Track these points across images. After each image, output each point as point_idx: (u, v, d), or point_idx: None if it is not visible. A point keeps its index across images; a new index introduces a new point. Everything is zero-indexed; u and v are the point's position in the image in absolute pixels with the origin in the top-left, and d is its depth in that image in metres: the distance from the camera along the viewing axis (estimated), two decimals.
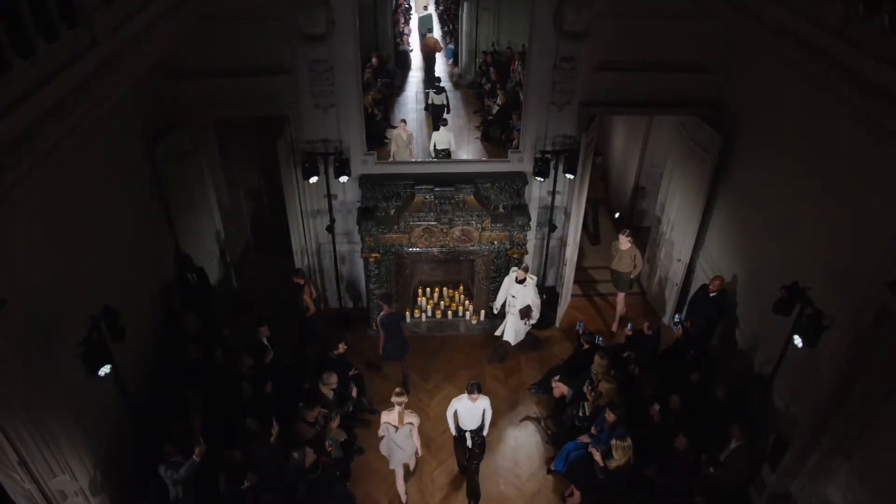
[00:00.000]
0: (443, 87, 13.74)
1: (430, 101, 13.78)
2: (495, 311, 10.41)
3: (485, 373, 10.34)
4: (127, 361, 7.19)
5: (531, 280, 9.79)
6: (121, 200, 7.94)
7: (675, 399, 8.28)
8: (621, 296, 11.15)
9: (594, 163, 11.58)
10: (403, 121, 11.87)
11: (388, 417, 7.89)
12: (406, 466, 8.59)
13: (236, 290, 11.48)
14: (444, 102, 13.39)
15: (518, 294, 9.75)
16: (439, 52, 16.01)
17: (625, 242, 10.51)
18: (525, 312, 9.80)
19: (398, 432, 7.86)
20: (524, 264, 10.00)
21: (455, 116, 13.67)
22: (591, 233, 13.21)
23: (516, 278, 9.68)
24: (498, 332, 10.32)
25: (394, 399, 7.83)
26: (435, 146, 11.77)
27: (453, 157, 11.76)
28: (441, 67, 16.65)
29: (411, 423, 7.91)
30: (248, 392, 8.32)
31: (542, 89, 9.37)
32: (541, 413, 9.75)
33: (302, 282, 9.99)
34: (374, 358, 10.18)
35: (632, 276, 10.92)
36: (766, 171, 8.52)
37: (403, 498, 8.45)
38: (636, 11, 8.87)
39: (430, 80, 15.09)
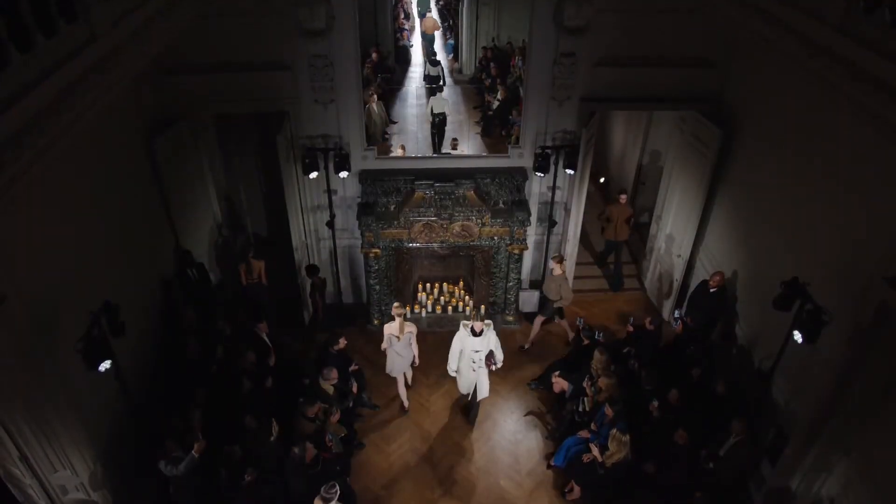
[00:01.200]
0: (438, 61, 15.15)
1: (426, 73, 15.09)
2: (451, 373, 9.28)
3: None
4: (127, 357, 7.19)
5: (488, 328, 8.75)
6: (121, 196, 7.93)
7: (673, 393, 8.29)
8: (538, 320, 10.56)
9: (600, 183, 11.77)
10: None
11: (391, 329, 8.95)
12: (404, 377, 9.63)
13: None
14: (440, 73, 14.75)
15: (480, 347, 8.74)
16: (437, 30, 17.42)
17: (556, 269, 9.95)
18: (489, 358, 8.83)
19: (399, 341, 8.94)
20: (480, 312, 8.92)
21: (455, 112, 13.68)
22: (614, 280, 12.12)
23: (472, 330, 8.67)
24: (467, 394, 9.42)
25: (394, 311, 9.01)
26: (432, 110, 13.03)
27: (447, 119, 13.29)
28: (441, 57, 16.68)
29: (411, 332, 9.06)
30: (247, 387, 8.33)
31: (542, 84, 9.36)
32: (541, 408, 9.76)
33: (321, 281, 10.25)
34: (375, 353, 10.18)
35: (555, 306, 10.25)
36: (766, 166, 8.51)
37: (406, 403, 9.62)
38: (637, 6, 8.87)
39: (428, 55, 16.35)
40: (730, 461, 7.71)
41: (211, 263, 10.63)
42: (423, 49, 17.43)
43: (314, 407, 8.04)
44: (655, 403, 8.13)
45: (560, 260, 9.99)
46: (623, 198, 11.41)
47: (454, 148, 11.17)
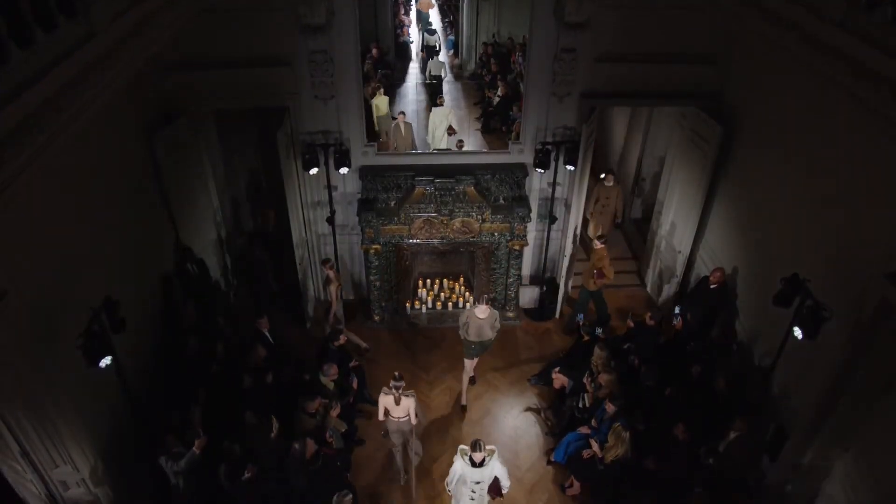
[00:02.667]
0: (434, 30, 16.56)
1: (424, 43, 16.05)
2: (448, 491, 7.75)
3: (486, 365, 10.36)
4: (127, 353, 7.19)
5: (491, 456, 7.18)
6: (121, 192, 7.92)
7: (669, 392, 8.29)
8: (469, 363, 9.43)
9: (601, 179, 11.96)
10: (402, 113, 11.86)
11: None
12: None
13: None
14: (437, 42, 16.02)
15: (481, 478, 7.24)
16: (431, 8, 18.35)
17: (483, 311, 8.83)
18: (495, 488, 7.46)
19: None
20: (478, 443, 7.11)
21: (455, 108, 13.65)
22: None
23: (472, 461, 7.11)
24: None
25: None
26: (430, 72, 14.36)
27: (445, 80, 14.67)
28: (441, 54, 16.66)
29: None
30: (248, 383, 8.34)
31: (542, 80, 9.35)
32: (541, 404, 9.77)
33: (333, 273, 10.03)
34: (375, 349, 10.20)
35: (487, 345, 9.29)
36: (766, 162, 8.50)
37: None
38: (637, 2, 8.85)
39: (425, 27, 17.28)
40: (730, 457, 7.72)
41: (211, 259, 10.62)
42: (418, 25, 18.13)
43: (315, 403, 8.05)
44: (682, 427, 7.77)
45: (487, 301, 8.90)
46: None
47: (460, 148, 11.17)
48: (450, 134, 12.12)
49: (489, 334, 9.03)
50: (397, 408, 8.02)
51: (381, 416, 8.20)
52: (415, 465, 8.54)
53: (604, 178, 11.81)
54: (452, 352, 10.61)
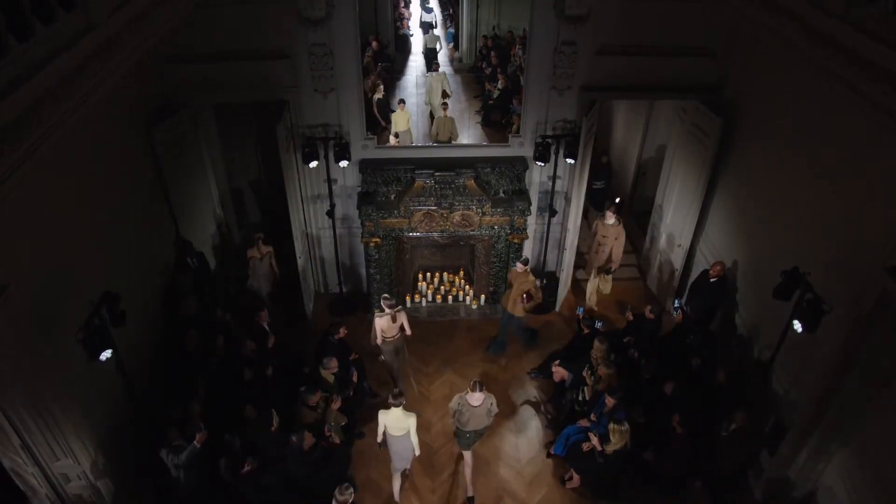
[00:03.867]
0: (431, 8, 17.46)
1: (422, 19, 17.17)
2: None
3: (485, 358, 10.38)
4: (127, 346, 7.21)
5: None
6: (121, 185, 7.93)
7: (668, 385, 8.30)
8: (468, 455, 8.33)
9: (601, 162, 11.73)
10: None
11: (382, 324, 8.58)
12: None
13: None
14: (433, 20, 17.02)
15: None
16: None
17: (477, 398, 7.77)
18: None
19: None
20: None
21: (455, 101, 13.62)
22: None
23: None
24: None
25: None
26: (426, 45, 15.35)
27: (438, 51, 15.60)
28: (442, 48, 16.63)
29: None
30: (248, 377, 8.35)
31: (542, 73, 9.32)
32: (540, 397, 9.79)
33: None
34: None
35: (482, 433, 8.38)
36: (767, 155, 8.49)
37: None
38: None
39: (423, 4, 18.19)
40: (729, 450, 7.74)
41: (211, 253, 10.62)
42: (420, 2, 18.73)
43: (315, 396, 8.06)
44: (677, 418, 7.83)
45: (481, 387, 7.80)
46: (610, 215, 10.29)
47: (444, 108, 11.27)
48: (444, 97, 12.49)
49: (485, 422, 8.00)
50: (393, 325, 8.44)
51: (378, 340, 8.78)
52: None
53: (604, 216, 10.55)
54: (452, 345, 10.64)
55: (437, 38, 15.87)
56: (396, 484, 8.18)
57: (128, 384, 7.38)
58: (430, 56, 15.37)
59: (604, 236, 10.58)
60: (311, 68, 9.10)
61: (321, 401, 8.16)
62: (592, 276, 11.02)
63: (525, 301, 9.64)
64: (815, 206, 7.43)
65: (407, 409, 7.84)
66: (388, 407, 7.66)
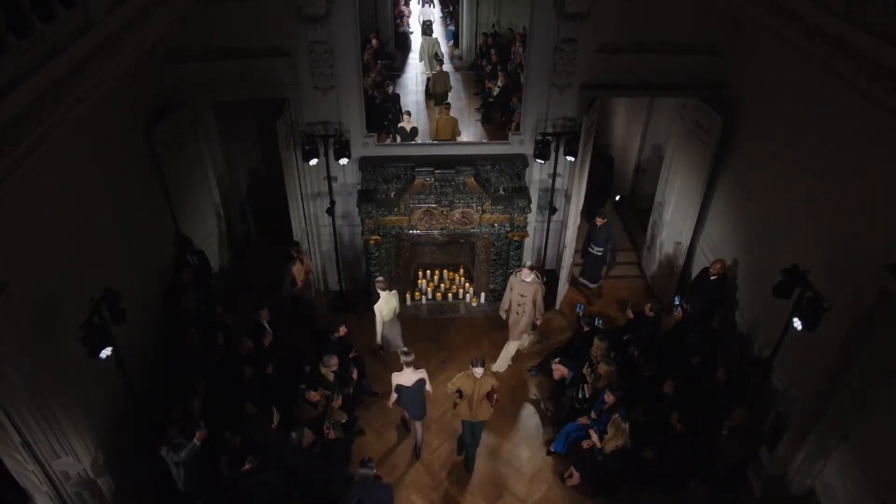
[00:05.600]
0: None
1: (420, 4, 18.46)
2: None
3: (486, 355, 10.36)
4: (128, 344, 7.21)
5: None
6: (121, 183, 7.92)
7: (668, 383, 8.31)
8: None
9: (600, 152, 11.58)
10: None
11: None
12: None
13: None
14: (432, 15, 17.90)
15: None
16: None
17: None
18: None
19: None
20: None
21: (455, 99, 13.62)
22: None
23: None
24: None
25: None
26: (420, 17, 16.66)
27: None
28: (442, 45, 16.61)
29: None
30: (248, 374, 8.36)
31: (542, 71, 9.32)
32: (540, 395, 9.79)
33: (295, 255, 10.03)
34: (373, 341, 10.20)
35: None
36: (767, 153, 8.48)
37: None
38: None
39: None
40: (729, 447, 7.75)
41: (211, 251, 10.62)
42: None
43: (317, 392, 8.07)
44: (676, 416, 7.96)
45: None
46: (527, 271, 9.45)
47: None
48: (438, 61, 13.71)
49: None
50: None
51: (391, 401, 8.44)
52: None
53: (520, 272, 9.53)
54: (452, 342, 10.65)
55: (432, 11, 17.42)
56: (419, 432, 8.80)
57: (128, 382, 7.38)
58: (427, 28, 16.21)
59: (522, 295, 9.42)
60: (311, 66, 9.10)
61: (322, 398, 8.17)
62: (512, 340, 9.94)
63: (493, 403, 8.08)
64: (816, 204, 7.43)
65: None
66: (400, 369, 8.16)
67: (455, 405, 8.15)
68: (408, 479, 8.57)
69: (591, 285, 11.33)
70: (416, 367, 8.22)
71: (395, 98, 12.44)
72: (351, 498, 6.96)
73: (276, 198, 10.58)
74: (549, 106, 9.63)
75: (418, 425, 8.70)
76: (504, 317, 9.89)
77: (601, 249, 10.71)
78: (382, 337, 9.61)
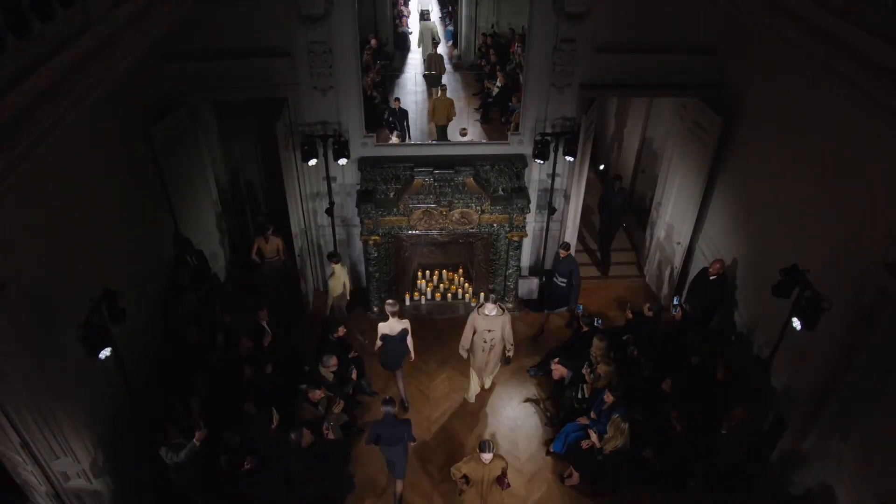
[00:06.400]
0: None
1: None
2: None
3: None
4: (127, 344, 7.20)
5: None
6: (120, 182, 7.92)
7: (667, 382, 8.32)
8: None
9: (599, 169, 11.52)
10: (397, 99, 11.85)
11: (384, 328, 8.80)
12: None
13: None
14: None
15: (494, 326, 8.72)
16: None
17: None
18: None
19: (395, 336, 8.78)
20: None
21: (455, 98, 13.60)
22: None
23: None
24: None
25: (388, 309, 8.80)
26: (419, 5, 16.79)
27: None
28: (441, 48, 16.60)
29: (405, 328, 8.84)
30: (248, 374, 8.35)
31: (542, 71, 9.32)
32: (540, 395, 9.79)
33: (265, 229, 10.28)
34: (373, 340, 10.19)
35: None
36: (766, 153, 8.49)
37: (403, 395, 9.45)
38: None
39: None
40: (728, 446, 7.75)
41: (209, 251, 10.61)
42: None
43: (318, 392, 8.06)
44: (676, 414, 7.89)
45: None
46: (491, 305, 8.69)
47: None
48: (434, 44, 14.04)
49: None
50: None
51: (378, 344, 8.94)
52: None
53: (481, 306, 8.78)
54: (451, 343, 10.61)
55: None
56: (401, 385, 9.39)
57: (127, 382, 7.37)
58: (425, 14, 16.68)
59: (489, 331, 8.69)
60: (311, 66, 9.09)
61: (323, 399, 8.16)
62: (474, 376, 9.39)
63: (503, 487, 7.55)
64: (816, 204, 7.44)
65: (408, 415, 9.06)
66: (385, 319, 8.83)
67: (461, 493, 7.55)
68: (407, 480, 8.55)
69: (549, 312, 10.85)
70: (401, 318, 8.91)
71: (404, 115, 12.28)
72: (371, 434, 7.66)
73: (276, 198, 10.57)
74: (548, 106, 9.63)
75: (399, 376, 9.26)
76: (465, 356, 9.16)
77: (564, 281, 10.21)
78: (333, 307, 10.19)
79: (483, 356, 8.97)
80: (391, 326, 8.79)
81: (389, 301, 8.90)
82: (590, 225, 12.88)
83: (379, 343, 8.90)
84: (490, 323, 8.68)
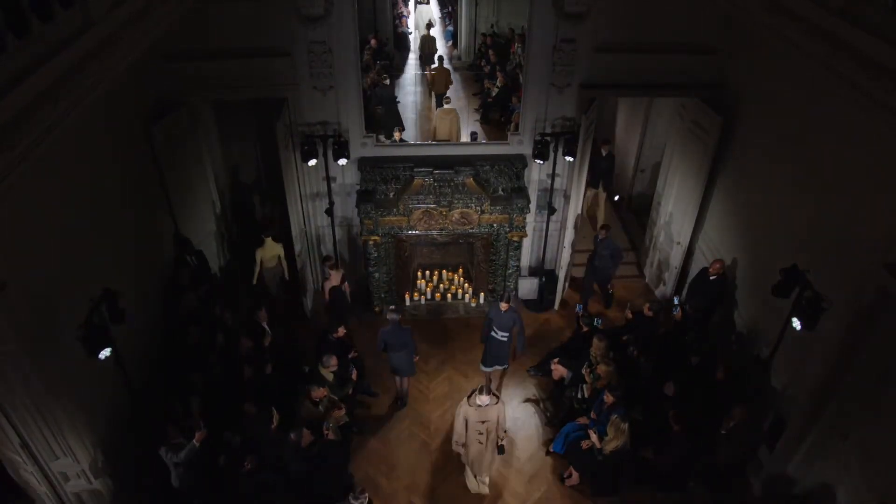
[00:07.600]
0: None
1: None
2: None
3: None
4: (127, 344, 7.20)
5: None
6: (120, 183, 7.91)
7: (669, 386, 8.31)
8: None
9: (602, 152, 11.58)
10: (401, 129, 11.71)
11: (334, 281, 9.59)
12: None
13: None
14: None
15: (488, 417, 7.76)
16: None
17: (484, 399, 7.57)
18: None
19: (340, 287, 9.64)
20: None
21: (454, 99, 13.60)
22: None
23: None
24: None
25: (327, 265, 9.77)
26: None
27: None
28: (441, 48, 16.60)
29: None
30: (248, 374, 8.35)
31: (542, 71, 9.31)
32: (540, 395, 9.79)
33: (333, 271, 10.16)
34: (373, 341, 10.19)
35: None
36: (766, 153, 8.49)
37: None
38: None
39: None
40: (728, 446, 7.75)
41: (210, 250, 10.61)
42: None
43: (320, 390, 8.06)
44: (674, 413, 7.92)
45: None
46: (483, 398, 7.63)
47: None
48: (428, 27, 14.76)
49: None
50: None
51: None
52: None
53: (470, 397, 7.79)
54: (451, 343, 10.65)
55: (431, 9, 17.48)
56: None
57: (127, 382, 7.37)
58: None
59: (482, 422, 7.76)
60: (310, 66, 9.09)
61: (325, 398, 8.16)
62: (469, 472, 8.48)
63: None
64: (815, 204, 7.44)
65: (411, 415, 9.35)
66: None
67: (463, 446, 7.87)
68: (407, 480, 8.56)
69: (484, 369, 9.69)
70: (341, 271, 9.92)
71: (391, 97, 12.28)
72: (379, 341, 8.80)
73: (276, 198, 10.56)
74: (548, 106, 9.62)
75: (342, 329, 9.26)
76: (460, 451, 8.15)
77: (506, 335, 9.15)
78: (260, 276, 10.51)
79: (479, 448, 7.95)
80: (335, 279, 9.64)
81: (328, 255, 9.87)
82: (589, 224, 12.87)
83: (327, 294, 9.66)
84: (483, 414, 7.71)
